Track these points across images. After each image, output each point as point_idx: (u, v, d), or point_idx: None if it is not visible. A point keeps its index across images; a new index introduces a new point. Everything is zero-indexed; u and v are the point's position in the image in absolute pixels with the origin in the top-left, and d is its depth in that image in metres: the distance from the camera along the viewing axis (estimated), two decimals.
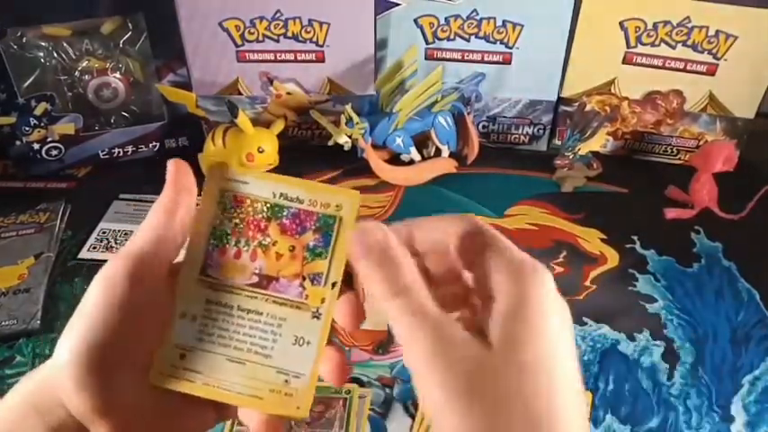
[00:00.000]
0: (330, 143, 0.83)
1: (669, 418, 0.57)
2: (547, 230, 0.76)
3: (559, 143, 0.87)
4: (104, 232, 0.75)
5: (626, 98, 0.84)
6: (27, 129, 0.81)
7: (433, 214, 0.31)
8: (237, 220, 0.32)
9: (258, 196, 0.32)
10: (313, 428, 0.55)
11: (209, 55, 0.81)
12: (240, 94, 0.84)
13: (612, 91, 0.84)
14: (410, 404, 0.58)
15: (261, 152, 0.79)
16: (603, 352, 0.62)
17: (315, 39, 0.80)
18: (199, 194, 0.32)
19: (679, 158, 0.88)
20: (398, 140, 0.83)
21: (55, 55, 0.79)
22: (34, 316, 0.64)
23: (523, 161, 0.88)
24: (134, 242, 0.31)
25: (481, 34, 0.82)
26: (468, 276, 0.31)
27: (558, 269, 0.71)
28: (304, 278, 0.32)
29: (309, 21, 0.79)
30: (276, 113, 0.85)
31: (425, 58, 0.84)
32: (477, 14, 0.80)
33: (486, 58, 0.83)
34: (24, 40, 0.77)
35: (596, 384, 0.60)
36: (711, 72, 0.80)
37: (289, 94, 0.84)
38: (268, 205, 0.32)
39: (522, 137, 0.89)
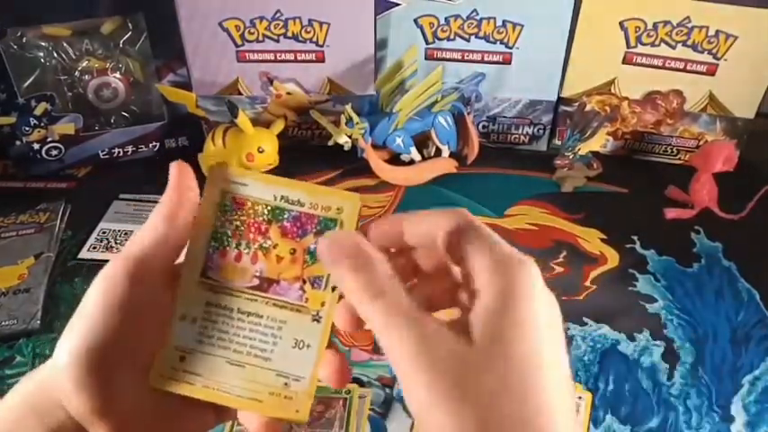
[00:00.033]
0: (330, 143, 0.83)
1: (669, 418, 0.57)
2: (547, 230, 0.76)
3: (559, 143, 0.87)
4: (104, 232, 0.75)
5: (626, 98, 0.84)
6: (27, 129, 0.81)
7: None
8: (238, 223, 0.32)
9: (259, 199, 0.32)
10: (313, 428, 0.55)
11: (209, 55, 0.81)
12: (240, 94, 0.84)
13: (612, 91, 0.84)
14: None
15: (261, 152, 0.79)
16: (603, 352, 0.63)
17: (315, 39, 0.80)
18: (200, 196, 0.33)
19: (679, 158, 0.88)
20: (398, 140, 0.83)
21: (55, 55, 0.79)
22: (34, 316, 0.64)
23: (523, 161, 0.88)
24: (135, 243, 0.31)
25: (481, 34, 0.81)
26: (457, 272, 0.30)
27: (558, 269, 0.71)
28: (304, 281, 0.32)
29: (309, 21, 0.79)
30: (276, 113, 0.85)
31: (425, 58, 0.84)
32: (477, 14, 0.80)
33: (486, 58, 0.83)
34: (24, 40, 0.77)
35: (596, 384, 0.60)
36: (711, 72, 0.80)
37: (289, 94, 0.84)
38: (269, 208, 0.32)
39: (522, 137, 0.89)
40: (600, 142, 0.85)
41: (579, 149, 0.82)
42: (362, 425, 0.56)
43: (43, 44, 0.78)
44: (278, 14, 0.79)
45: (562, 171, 0.83)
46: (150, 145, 0.86)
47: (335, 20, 0.79)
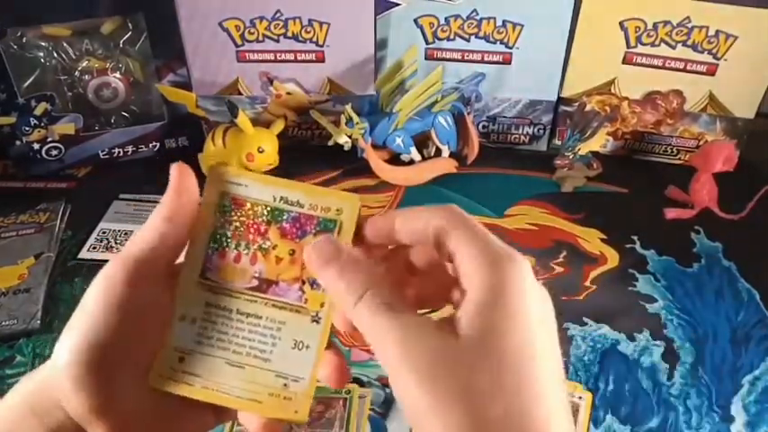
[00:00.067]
0: (330, 143, 0.83)
1: (669, 418, 0.57)
2: (547, 230, 0.76)
3: (559, 143, 0.87)
4: (104, 232, 0.75)
5: (626, 98, 0.84)
6: (27, 129, 0.81)
7: None
8: (237, 224, 0.32)
9: (258, 200, 0.32)
10: (313, 428, 0.55)
11: (209, 55, 0.81)
12: (240, 94, 0.84)
13: (612, 91, 0.84)
14: None
15: (261, 152, 0.79)
16: (603, 352, 0.63)
17: (315, 39, 0.80)
18: (200, 196, 0.33)
19: (679, 158, 0.88)
20: (398, 140, 0.83)
21: (55, 55, 0.79)
22: (34, 316, 0.64)
23: (523, 161, 0.88)
24: (135, 243, 0.31)
25: (481, 34, 0.81)
26: (452, 269, 0.30)
27: (558, 269, 0.71)
28: (304, 282, 0.32)
29: (309, 21, 0.79)
30: (276, 113, 0.85)
31: (425, 58, 0.84)
32: (477, 14, 0.80)
33: (486, 58, 0.83)
34: (24, 40, 0.77)
35: (596, 384, 0.60)
36: (711, 72, 0.80)
37: (289, 94, 0.84)
38: (268, 209, 0.32)
39: (522, 137, 0.89)
40: (600, 142, 0.85)
41: (579, 149, 0.82)
42: (363, 425, 0.56)
43: (43, 44, 0.78)
44: (278, 14, 0.79)
45: (562, 171, 0.83)
46: (150, 145, 0.86)
47: (335, 20, 0.79)
